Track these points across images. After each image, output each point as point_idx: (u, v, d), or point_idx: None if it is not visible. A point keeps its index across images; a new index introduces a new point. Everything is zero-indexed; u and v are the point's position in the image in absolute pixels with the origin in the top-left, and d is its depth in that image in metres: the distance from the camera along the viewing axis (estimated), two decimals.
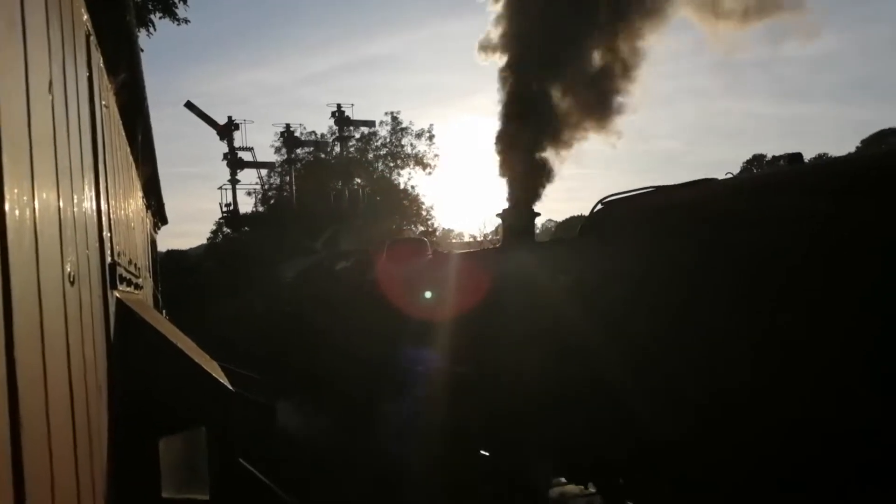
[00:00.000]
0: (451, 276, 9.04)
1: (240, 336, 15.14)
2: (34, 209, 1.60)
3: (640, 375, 5.19)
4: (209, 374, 4.16)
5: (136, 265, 5.92)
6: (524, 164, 9.76)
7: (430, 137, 39.51)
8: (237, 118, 29.38)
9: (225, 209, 28.32)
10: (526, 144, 9.70)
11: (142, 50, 4.27)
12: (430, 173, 39.51)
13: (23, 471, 1.28)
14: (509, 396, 7.00)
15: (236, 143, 29.04)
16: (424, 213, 38.90)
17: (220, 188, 28.49)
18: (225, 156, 28.94)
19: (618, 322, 5.60)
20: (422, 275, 10.03)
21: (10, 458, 1.24)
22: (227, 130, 28.58)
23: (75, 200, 2.37)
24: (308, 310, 14.03)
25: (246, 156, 29.92)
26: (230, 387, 3.98)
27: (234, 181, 28.73)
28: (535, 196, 9.81)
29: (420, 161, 39.22)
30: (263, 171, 34.09)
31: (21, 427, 1.28)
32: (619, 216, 6.18)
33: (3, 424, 1.21)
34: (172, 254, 33.54)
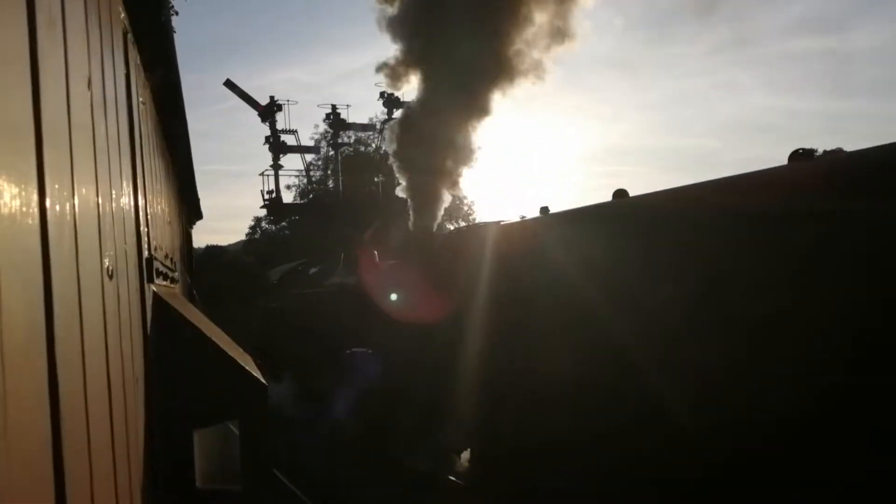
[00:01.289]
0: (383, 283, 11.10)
1: (241, 330, 16.19)
2: (74, 205, 1.63)
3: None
4: (242, 367, 4.21)
5: (171, 259, 6.01)
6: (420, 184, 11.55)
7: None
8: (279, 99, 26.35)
9: (267, 196, 25.91)
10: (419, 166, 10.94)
11: (174, 30, 4.29)
12: (471, 167, 38.51)
13: (63, 460, 1.30)
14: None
15: (279, 126, 26.34)
16: (466, 207, 38.13)
17: (262, 174, 25.96)
18: (267, 139, 26.27)
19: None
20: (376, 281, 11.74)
21: (50, 448, 1.26)
22: (269, 112, 26.16)
23: (113, 196, 2.41)
24: (289, 307, 16.70)
25: (289, 140, 26.96)
26: (263, 380, 4.02)
27: (276, 166, 26.03)
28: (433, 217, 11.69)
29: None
30: (309, 157, 30.52)
31: (61, 417, 1.30)
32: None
33: (44, 415, 1.24)
34: (211, 249, 33.85)
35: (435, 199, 11.89)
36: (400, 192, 12.85)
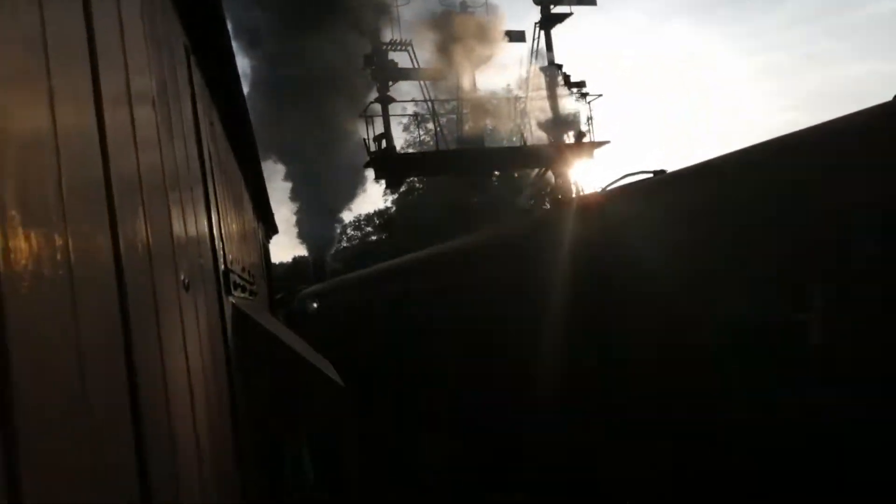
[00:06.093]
0: None
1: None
2: (145, 221, 1.68)
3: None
4: (325, 374, 4.28)
5: (249, 272, 6.18)
6: None
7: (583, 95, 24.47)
8: None
9: (374, 144, 16.00)
10: None
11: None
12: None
13: (147, 466, 1.34)
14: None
15: (384, 37, 16.99)
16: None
17: (364, 114, 16.42)
18: (367, 60, 17.14)
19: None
20: None
21: (136, 466, 1.30)
22: (367, 16, 16.96)
23: (185, 213, 2.49)
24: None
25: (401, 59, 17.12)
26: (342, 383, 4.08)
27: (384, 99, 16.27)
28: None
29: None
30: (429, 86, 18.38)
31: (143, 424, 1.34)
32: None
33: (126, 423, 1.27)
34: (298, 260, 34.60)
35: None
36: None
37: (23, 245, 0.86)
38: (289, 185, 32.29)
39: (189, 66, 3.31)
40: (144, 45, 2.06)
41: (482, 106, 17.77)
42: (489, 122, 19.05)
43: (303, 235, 33.77)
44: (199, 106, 3.51)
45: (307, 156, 27.82)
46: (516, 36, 18.29)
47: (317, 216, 32.10)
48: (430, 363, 9.56)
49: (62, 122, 1.10)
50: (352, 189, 32.80)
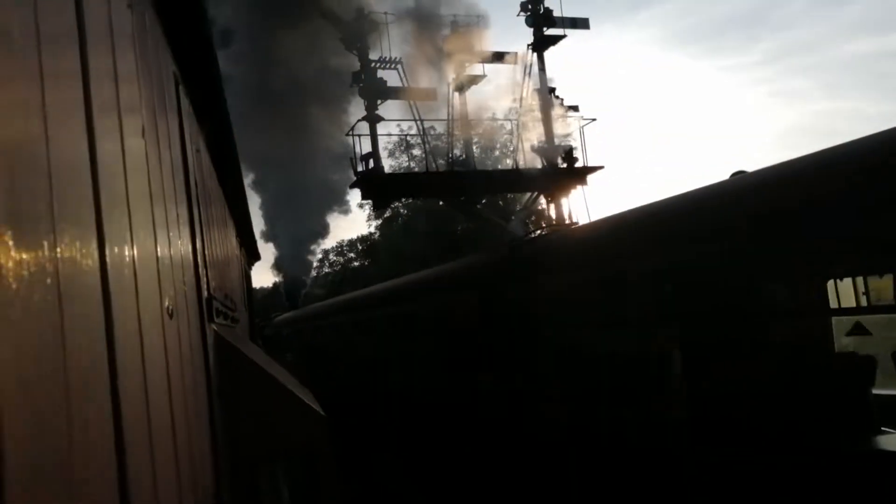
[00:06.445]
0: None
1: None
2: (132, 247, 1.70)
3: None
4: (305, 403, 4.27)
5: (231, 299, 6.17)
6: None
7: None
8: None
9: (361, 162, 15.46)
10: None
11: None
12: None
13: (128, 494, 1.35)
14: None
15: (372, 55, 16.11)
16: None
17: (351, 132, 15.68)
18: (356, 77, 16.21)
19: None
20: None
21: (116, 481, 1.31)
22: (356, 30, 16.11)
23: (171, 239, 2.50)
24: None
25: (390, 77, 16.28)
26: (322, 412, 4.07)
27: (371, 118, 15.64)
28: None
29: None
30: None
31: (126, 450, 1.35)
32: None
33: (109, 447, 1.28)
34: (278, 286, 34.48)
35: None
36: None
37: (12, 265, 0.88)
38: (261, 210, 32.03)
39: (178, 95, 3.35)
40: (135, 72, 2.09)
41: (473, 128, 17.06)
42: (479, 145, 18.44)
43: (276, 264, 33.55)
44: (187, 133, 3.55)
45: (282, 173, 27.34)
46: (506, 58, 17.39)
47: (290, 243, 31.84)
48: (378, 385, 11.59)
49: (54, 143, 1.13)
50: (329, 207, 32.45)
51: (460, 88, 16.40)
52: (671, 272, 5.30)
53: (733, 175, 5.98)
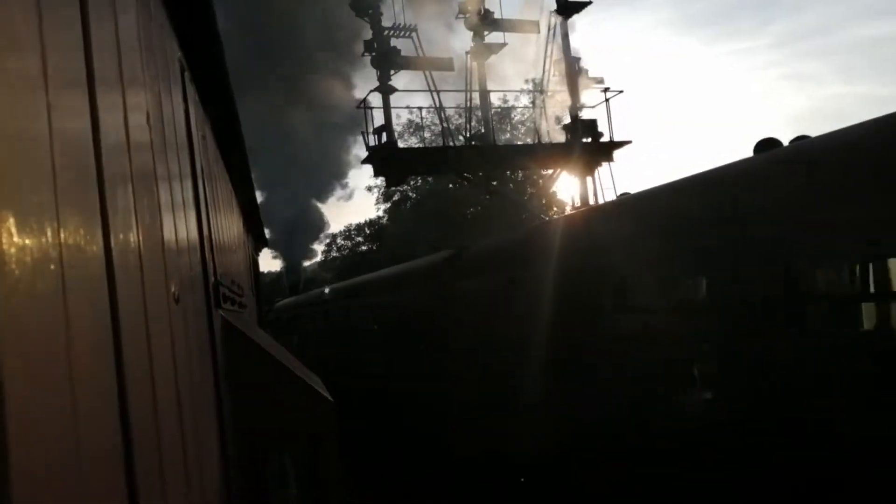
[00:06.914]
0: None
1: None
2: (138, 234, 1.70)
3: None
4: (311, 387, 4.29)
5: (238, 285, 6.19)
6: None
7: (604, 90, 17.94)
8: None
9: (373, 137, 14.26)
10: None
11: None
12: None
13: (135, 479, 1.35)
14: None
15: (385, 21, 14.90)
16: None
17: (363, 105, 14.55)
18: (367, 45, 14.91)
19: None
20: None
21: (123, 468, 1.31)
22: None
23: (177, 226, 2.51)
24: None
25: (404, 46, 15.09)
26: (330, 397, 4.08)
27: (385, 89, 14.43)
28: None
29: None
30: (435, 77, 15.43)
31: (133, 437, 1.36)
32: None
33: (116, 433, 1.29)
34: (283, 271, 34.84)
35: None
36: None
37: (14, 251, 0.88)
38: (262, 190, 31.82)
39: (183, 81, 3.34)
40: (140, 59, 2.09)
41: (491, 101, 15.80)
42: (497, 118, 16.80)
43: (278, 249, 33.51)
44: (193, 119, 3.54)
45: (278, 144, 26.45)
46: (528, 26, 15.91)
47: (285, 229, 31.71)
48: (366, 368, 14.22)
49: (58, 127, 1.12)
50: (334, 179, 32.64)
51: (479, 57, 15.22)
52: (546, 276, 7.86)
53: (792, 141, 5.97)
